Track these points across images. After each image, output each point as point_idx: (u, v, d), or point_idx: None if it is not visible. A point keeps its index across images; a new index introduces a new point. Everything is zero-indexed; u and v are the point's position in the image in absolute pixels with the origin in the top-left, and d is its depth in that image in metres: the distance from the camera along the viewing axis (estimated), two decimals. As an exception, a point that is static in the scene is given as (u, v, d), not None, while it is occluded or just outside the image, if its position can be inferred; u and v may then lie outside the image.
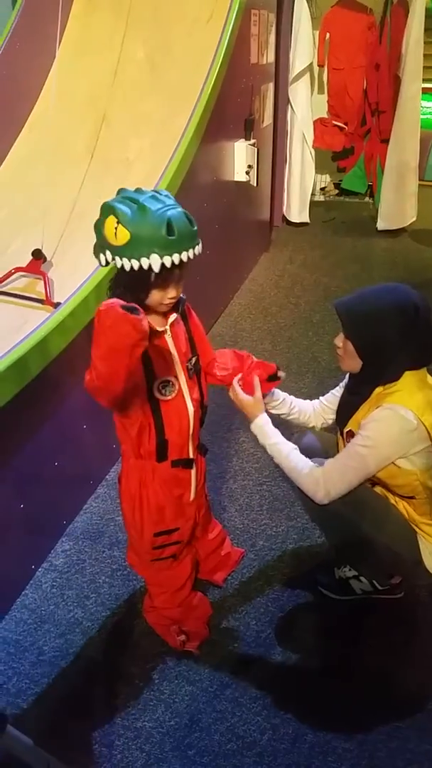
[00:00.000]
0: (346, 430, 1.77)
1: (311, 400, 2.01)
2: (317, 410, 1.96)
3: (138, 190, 1.40)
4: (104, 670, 1.85)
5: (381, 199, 5.54)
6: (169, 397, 1.55)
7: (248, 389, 1.76)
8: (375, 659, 1.86)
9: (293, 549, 2.24)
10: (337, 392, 1.93)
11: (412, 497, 1.73)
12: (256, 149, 4.00)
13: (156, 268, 1.34)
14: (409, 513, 1.76)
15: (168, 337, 1.53)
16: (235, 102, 3.82)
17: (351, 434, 1.74)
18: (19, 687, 1.80)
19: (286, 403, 1.93)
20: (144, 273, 1.35)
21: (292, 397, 1.96)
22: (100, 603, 2.05)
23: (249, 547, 2.24)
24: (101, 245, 1.39)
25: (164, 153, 2.96)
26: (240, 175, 3.99)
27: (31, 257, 2.58)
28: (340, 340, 1.71)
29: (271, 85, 4.76)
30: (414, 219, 5.58)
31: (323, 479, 1.68)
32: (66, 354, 2.10)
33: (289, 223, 5.76)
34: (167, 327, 1.52)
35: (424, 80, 5.25)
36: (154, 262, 1.32)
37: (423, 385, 1.66)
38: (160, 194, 1.40)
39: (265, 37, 4.29)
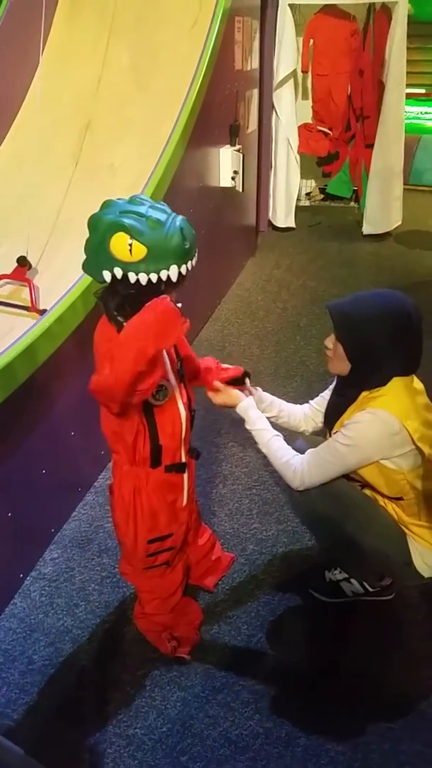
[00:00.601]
0: (333, 431, 1.78)
1: (300, 404, 2.01)
2: (308, 414, 1.97)
3: (132, 201, 1.41)
4: (95, 678, 1.83)
5: (366, 203, 5.58)
6: (162, 402, 1.55)
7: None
8: (366, 661, 1.86)
9: (283, 553, 2.24)
10: (327, 395, 1.93)
11: (400, 498, 1.73)
12: (241, 155, 4.01)
13: (174, 278, 1.36)
14: (398, 514, 1.77)
15: None
16: (220, 108, 3.83)
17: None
18: (9, 697, 1.78)
19: (274, 406, 1.93)
20: (155, 285, 1.37)
21: (280, 400, 1.96)
22: (90, 611, 2.03)
23: (239, 552, 2.23)
24: (107, 262, 1.37)
25: (150, 159, 2.97)
26: (226, 181, 4.00)
27: (16, 264, 2.57)
28: (330, 342, 1.71)
29: (256, 91, 4.79)
30: (399, 223, 5.62)
31: (301, 469, 1.72)
32: (53, 360, 2.09)
33: (275, 228, 5.78)
34: None
35: (408, 86, 5.30)
36: (173, 273, 1.35)
37: (409, 391, 1.67)
38: (159, 205, 1.41)
39: (249, 44, 4.31)
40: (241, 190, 4.16)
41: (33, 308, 2.38)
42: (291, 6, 4.99)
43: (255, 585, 2.11)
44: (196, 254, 1.41)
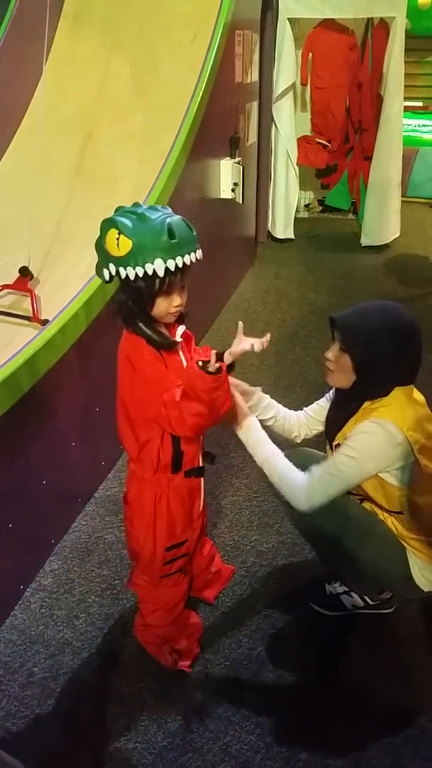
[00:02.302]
0: (335, 443, 1.78)
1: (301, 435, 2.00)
2: (302, 421, 1.96)
3: (135, 204, 1.45)
4: (95, 691, 1.82)
5: (364, 215, 5.61)
6: None
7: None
8: (367, 675, 1.85)
9: (284, 565, 2.24)
10: (323, 403, 1.92)
11: (400, 512, 1.73)
12: (241, 167, 4.04)
13: (160, 273, 1.37)
14: (397, 529, 1.76)
15: (180, 352, 1.56)
16: (221, 120, 3.86)
17: (339, 447, 1.74)
18: (8, 710, 1.77)
19: (271, 409, 1.90)
20: (149, 281, 1.39)
21: (277, 404, 1.94)
22: (90, 623, 2.02)
23: (239, 564, 2.23)
24: (104, 260, 1.42)
25: (151, 171, 2.98)
26: (226, 193, 4.02)
27: (17, 274, 2.57)
28: (332, 354, 1.69)
29: (256, 104, 4.82)
30: (397, 235, 5.65)
31: (306, 490, 1.69)
32: (55, 371, 2.09)
33: (274, 239, 5.81)
34: (179, 338, 1.55)
35: (405, 98, 5.34)
36: (158, 266, 1.36)
37: (410, 401, 1.67)
38: (157, 207, 1.45)
39: (249, 57, 4.35)
40: (241, 202, 4.18)
41: (35, 318, 2.38)
42: (290, 20, 5.04)
43: (255, 598, 2.10)
44: (194, 253, 1.41)
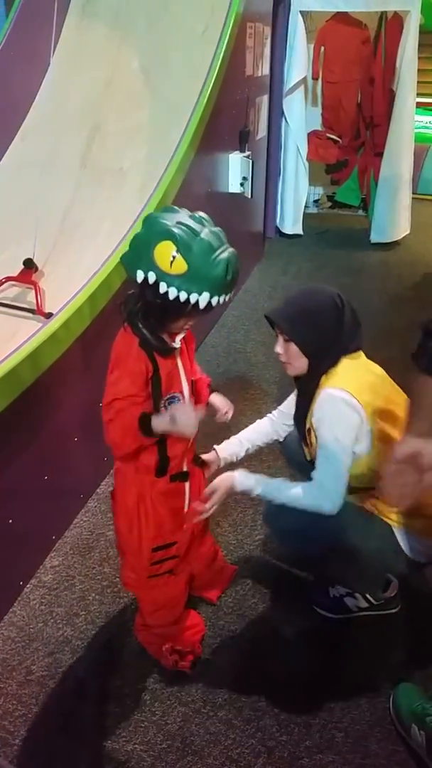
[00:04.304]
0: (306, 428, 1.80)
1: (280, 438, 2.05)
2: (275, 421, 2.02)
3: (193, 216, 1.38)
4: (94, 690, 1.79)
5: (374, 212, 5.56)
6: None
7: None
8: (371, 679, 1.82)
9: (288, 565, 2.20)
10: (293, 398, 1.95)
11: (372, 488, 1.73)
12: (251, 161, 3.99)
13: (202, 305, 1.35)
14: (378, 508, 1.76)
15: (178, 358, 1.54)
16: (230, 114, 3.82)
17: (310, 432, 1.78)
18: (6, 708, 1.74)
19: (243, 445, 1.97)
20: (182, 304, 1.36)
21: (243, 434, 2.00)
22: (90, 621, 2.00)
23: (243, 563, 2.20)
24: (145, 265, 1.35)
25: (159, 164, 2.95)
26: (234, 187, 3.98)
27: (22, 266, 2.55)
28: (280, 347, 1.76)
29: (266, 98, 4.78)
30: (407, 232, 5.60)
31: (318, 492, 1.69)
32: (58, 365, 2.06)
33: (282, 234, 5.77)
34: (178, 344, 1.53)
35: (418, 94, 5.28)
36: (203, 300, 1.34)
37: (358, 367, 1.76)
38: (205, 223, 1.39)
39: (260, 50, 4.30)
40: (250, 197, 4.14)
41: (39, 311, 2.35)
42: (302, 12, 4.99)
43: (258, 598, 2.07)
44: (233, 292, 1.41)
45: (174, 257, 1.31)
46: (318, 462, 1.71)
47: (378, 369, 1.81)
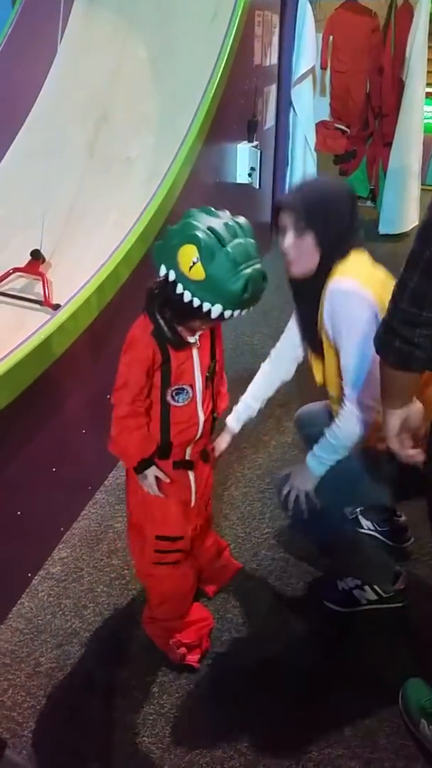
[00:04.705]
0: (318, 338, 1.69)
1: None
2: (275, 361, 1.96)
3: (227, 226, 1.34)
4: (102, 682, 1.79)
5: (383, 203, 5.50)
6: (182, 405, 1.55)
7: None
8: (381, 674, 1.81)
9: (296, 558, 2.19)
10: (291, 326, 1.90)
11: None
12: (259, 151, 3.96)
13: (214, 315, 1.34)
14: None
15: (194, 348, 1.53)
16: (238, 103, 3.79)
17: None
18: (15, 699, 1.74)
19: (253, 407, 1.92)
20: (196, 308, 1.34)
21: (248, 395, 1.94)
22: (98, 613, 1.99)
23: (251, 557, 2.19)
24: (168, 263, 1.35)
25: (166, 153, 2.92)
26: (242, 177, 3.95)
27: (29, 257, 2.53)
28: (290, 243, 1.61)
29: (274, 87, 4.73)
30: (416, 223, 5.54)
31: (350, 406, 1.61)
32: (66, 357, 2.05)
33: (290, 226, 5.72)
34: (197, 339, 1.52)
35: (428, 84, 5.22)
36: (216, 311, 1.33)
37: (366, 263, 1.64)
38: (241, 230, 1.36)
39: (268, 39, 4.26)
40: (258, 187, 4.10)
41: (46, 303, 2.34)
42: (311, 1, 4.91)
43: (267, 592, 2.06)
44: (254, 306, 1.39)
45: (194, 263, 1.30)
46: (348, 368, 1.60)
47: (383, 271, 1.67)
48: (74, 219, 2.82)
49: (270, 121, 4.69)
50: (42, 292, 2.39)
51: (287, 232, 1.61)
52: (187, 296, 1.33)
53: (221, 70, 3.22)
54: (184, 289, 1.33)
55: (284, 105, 5.14)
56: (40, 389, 1.94)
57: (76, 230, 2.75)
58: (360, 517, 2.21)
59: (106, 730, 1.67)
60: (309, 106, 5.29)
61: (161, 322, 1.44)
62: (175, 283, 1.35)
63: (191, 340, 1.51)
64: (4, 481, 1.91)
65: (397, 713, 1.69)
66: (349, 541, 1.74)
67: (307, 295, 1.68)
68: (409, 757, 1.59)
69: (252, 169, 3.94)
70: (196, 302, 1.33)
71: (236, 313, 1.36)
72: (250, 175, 3.95)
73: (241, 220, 1.39)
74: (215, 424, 1.68)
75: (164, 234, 1.38)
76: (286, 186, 5.54)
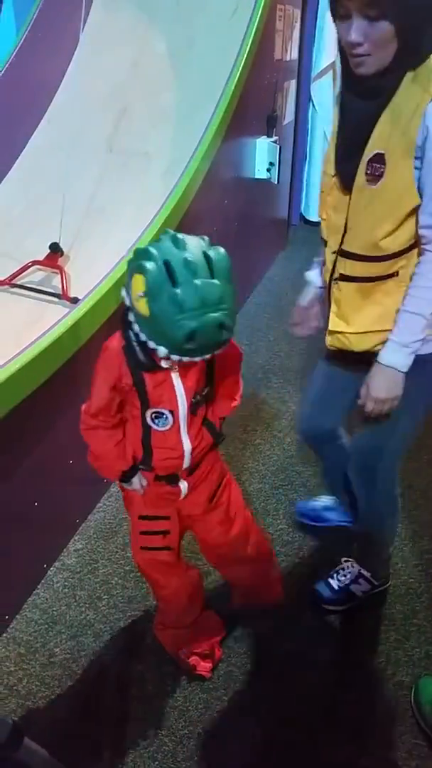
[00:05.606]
0: (369, 153, 1.39)
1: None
2: None
3: (189, 262, 1.16)
4: (116, 674, 1.81)
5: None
6: (162, 429, 1.42)
7: None
8: (393, 673, 1.81)
9: (309, 556, 2.19)
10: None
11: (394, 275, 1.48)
12: (278, 147, 3.94)
13: (161, 355, 1.23)
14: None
15: (174, 373, 1.37)
16: (258, 98, 3.77)
17: (378, 158, 1.37)
18: (30, 689, 1.76)
19: (316, 279, 1.85)
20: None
21: (311, 276, 1.89)
22: (113, 605, 2.01)
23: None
24: (128, 284, 1.24)
25: (185, 148, 2.92)
26: (261, 173, 3.94)
27: (48, 250, 2.54)
28: (359, 32, 1.27)
29: (294, 82, 4.71)
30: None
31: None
32: (86, 349, 2.06)
33: (306, 222, 5.70)
34: (173, 365, 1.35)
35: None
36: (161, 352, 1.21)
37: None
38: (206, 269, 1.17)
39: (289, 33, 4.23)
40: (276, 182, 4.09)
41: (65, 296, 2.35)
42: (333, -5, 4.88)
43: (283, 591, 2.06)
44: (212, 352, 1.25)
45: (140, 296, 1.18)
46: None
47: None
48: (93, 212, 2.82)
49: (289, 116, 4.67)
50: (60, 286, 2.40)
51: (353, 19, 1.27)
52: (136, 327, 1.24)
53: (242, 64, 3.20)
54: (135, 322, 1.24)
55: (304, 100, 5.13)
56: (58, 382, 1.95)
57: (94, 224, 2.76)
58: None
59: (119, 721, 1.68)
60: (329, 102, 5.26)
61: (132, 340, 1.29)
62: (129, 309, 1.25)
63: (164, 364, 1.32)
64: (22, 472, 1.93)
65: (409, 712, 1.69)
66: (394, 507, 1.70)
67: (369, 90, 1.36)
68: (423, 756, 1.59)
69: (271, 164, 3.92)
70: (142, 336, 1.23)
71: (185, 358, 1.22)
72: (268, 170, 3.93)
73: (215, 254, 1.19)
74: (220, 438, 1.55)
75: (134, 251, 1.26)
76: (304, 182, 5.52)
